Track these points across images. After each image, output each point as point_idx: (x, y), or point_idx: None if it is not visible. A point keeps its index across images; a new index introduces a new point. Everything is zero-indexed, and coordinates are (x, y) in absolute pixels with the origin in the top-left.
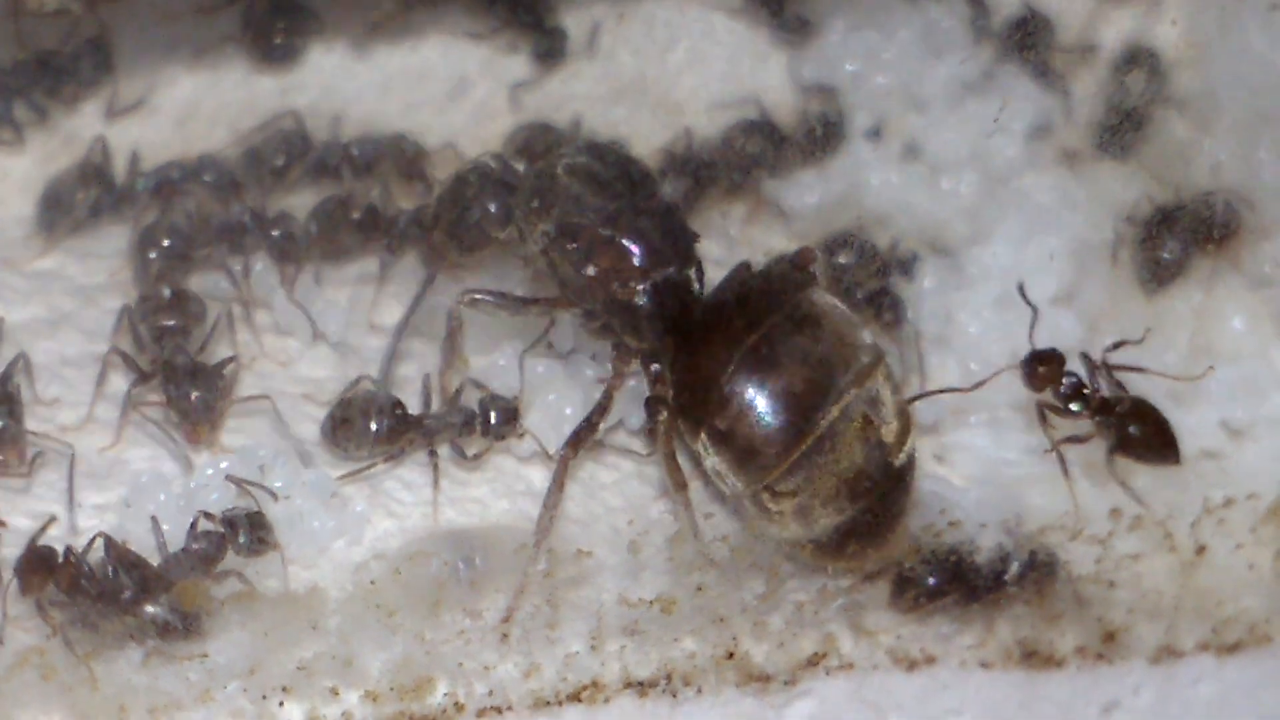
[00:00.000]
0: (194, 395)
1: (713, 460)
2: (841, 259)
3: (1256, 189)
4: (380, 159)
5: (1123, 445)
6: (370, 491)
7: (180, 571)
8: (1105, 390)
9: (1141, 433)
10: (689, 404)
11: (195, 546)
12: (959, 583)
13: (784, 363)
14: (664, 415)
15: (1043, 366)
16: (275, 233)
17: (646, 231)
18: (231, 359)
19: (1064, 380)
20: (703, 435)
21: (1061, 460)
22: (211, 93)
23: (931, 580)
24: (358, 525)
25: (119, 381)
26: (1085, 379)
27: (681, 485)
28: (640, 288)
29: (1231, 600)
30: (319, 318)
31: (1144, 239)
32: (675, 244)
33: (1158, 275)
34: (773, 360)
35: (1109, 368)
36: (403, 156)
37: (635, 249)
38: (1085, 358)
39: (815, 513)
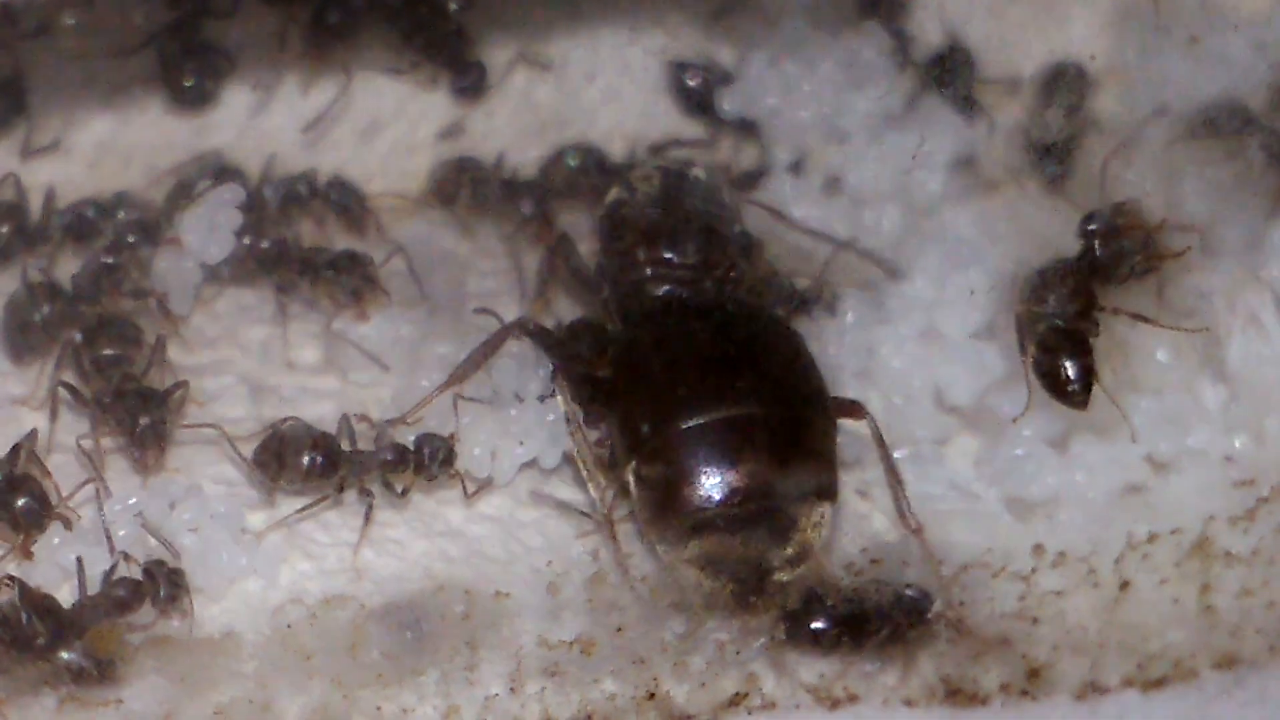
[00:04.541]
0: (142, 420)
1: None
2: None
3: (1179, 220)
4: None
5: (1047, 354)
6: (287, 533)
7: (94, 617)
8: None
9: (1071, 365)
10: (629, 423)
11: (116, 593)
12: (850, 627)
13: (737, 451)
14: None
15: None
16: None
17: (687, 238)
18: (181, 384)
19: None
20: (630, 466)
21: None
22: (125, 133)
23: (820, 624)
24: (268, 563)
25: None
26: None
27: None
28: (650, 273)
29: (1156, 636)
30: (236, 358)
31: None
32: (703, 263)
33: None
34: (729, 442)
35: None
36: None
37: (668, 242)
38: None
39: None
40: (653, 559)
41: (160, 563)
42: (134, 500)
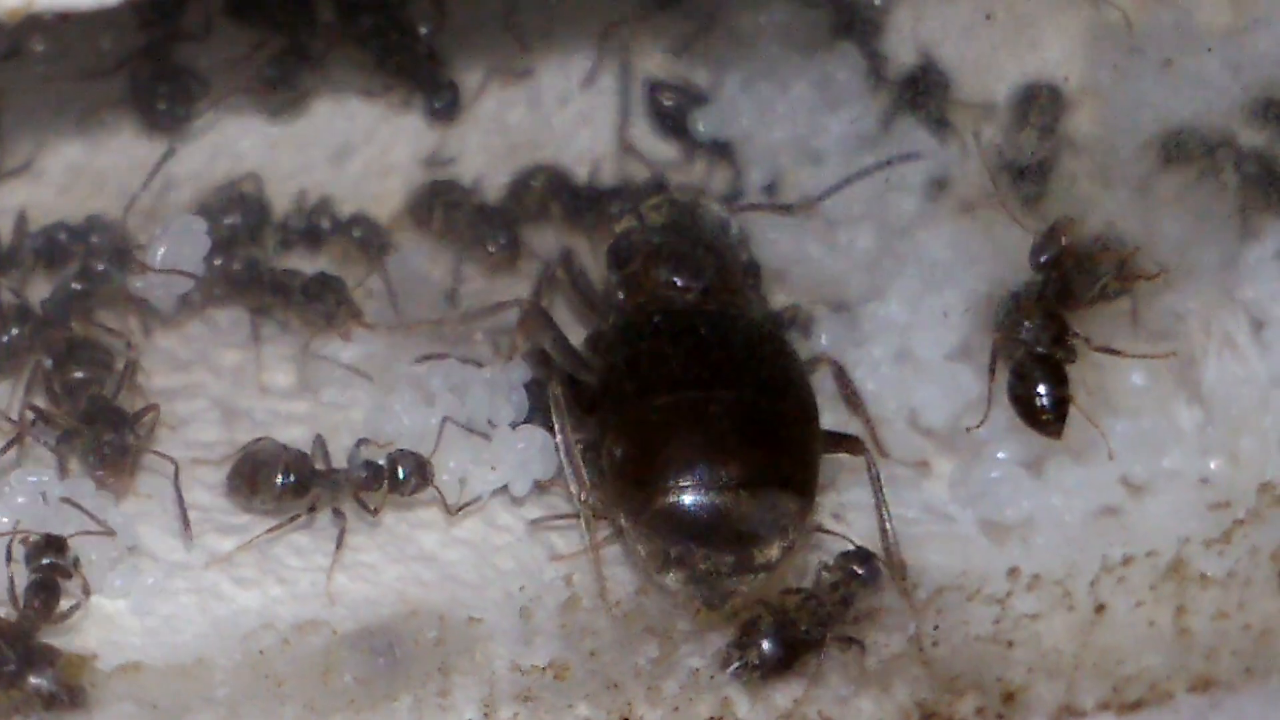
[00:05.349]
0: (106, 438)
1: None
2: None
3: (1154, 242)
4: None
5: (1023, 381)
6: (260, 557)
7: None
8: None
9: (1046, 393)
10: (611, 406)
11: (35, 601)
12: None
13: (708, 429)
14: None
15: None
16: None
17: (695, 263)
18: (152, 407)
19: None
20: (606, 442)
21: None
22: (97, 156)
23: (766, 646)
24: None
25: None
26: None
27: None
28: (656, 296)
29: (1132, 658)
30: (208, 381)
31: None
32: (709, 288)
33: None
34: (703, 421)
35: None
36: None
37: (676, 266)
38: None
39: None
40: (626, 585)
41: (39, 545)
42: (35, 480)
